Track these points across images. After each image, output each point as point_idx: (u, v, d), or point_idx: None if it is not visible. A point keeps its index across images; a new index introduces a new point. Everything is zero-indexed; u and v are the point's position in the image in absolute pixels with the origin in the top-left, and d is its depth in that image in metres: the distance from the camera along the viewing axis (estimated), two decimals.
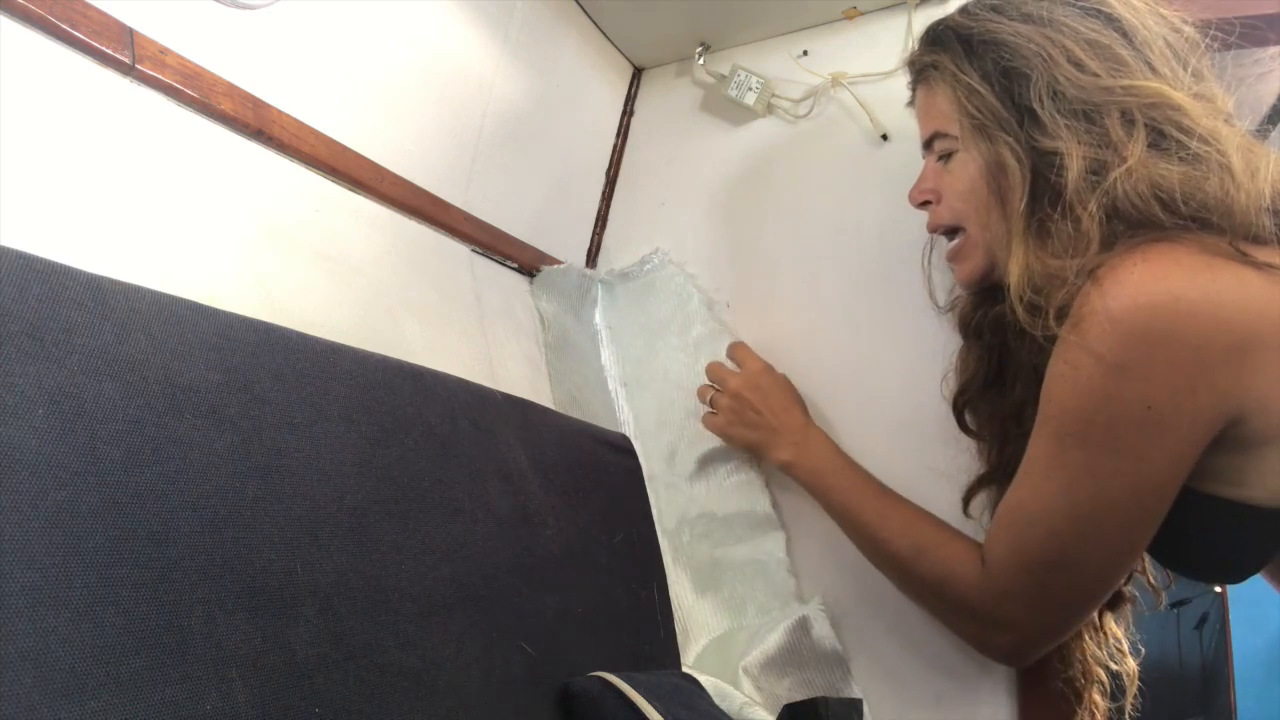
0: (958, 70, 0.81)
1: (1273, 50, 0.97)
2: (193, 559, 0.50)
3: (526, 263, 1.15)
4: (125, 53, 0.66)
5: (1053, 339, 0.71)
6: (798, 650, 0.99)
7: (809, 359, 1.10)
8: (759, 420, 1.03)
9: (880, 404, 1.05)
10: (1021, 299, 0.74)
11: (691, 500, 1.13)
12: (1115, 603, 0.89)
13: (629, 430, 1.18)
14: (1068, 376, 0.69)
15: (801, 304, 1.13)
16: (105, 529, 0.46)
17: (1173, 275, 0.65)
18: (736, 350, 1.10)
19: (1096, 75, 0.74)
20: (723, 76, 1.22)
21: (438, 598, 0.65)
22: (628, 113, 1.34)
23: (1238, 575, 0.79)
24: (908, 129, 0.93)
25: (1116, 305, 0.66)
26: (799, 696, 0.93)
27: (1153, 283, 0.65)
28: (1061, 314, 0.70)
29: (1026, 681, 0.93)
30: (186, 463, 0.51)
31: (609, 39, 1.26)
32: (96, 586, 0.45)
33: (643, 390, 1.20)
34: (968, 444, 0.95)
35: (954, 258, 0.89)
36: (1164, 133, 0.71)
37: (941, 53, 0.83)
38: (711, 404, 1.08)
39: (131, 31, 0.66)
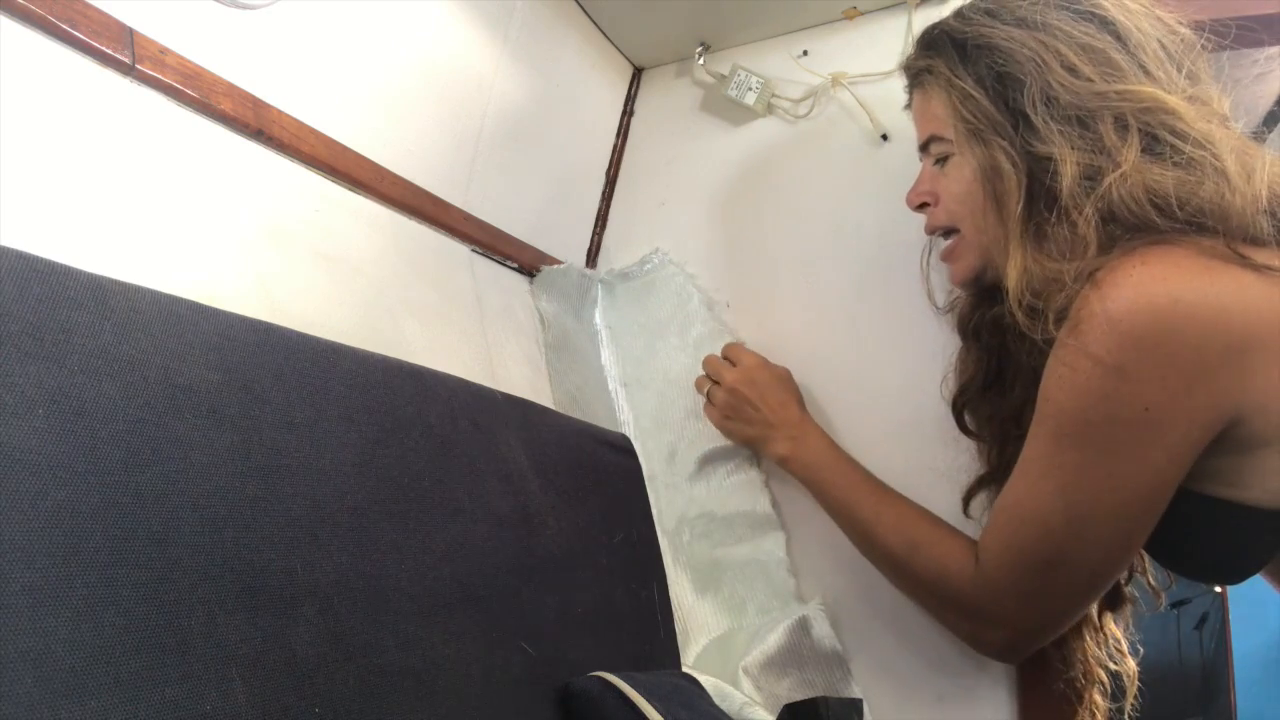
0: (952, 75, 0.81)
1: (1270, 51, 0.97)
2: (193, 559, 0.50)
3: (526, 263, 1.15)
4: (125, 53, 0.66)
5: (1051, 342, 0.71)
6: (798, 650, 0.99)
7: (809, 359, 1.10)
8: (755, 415, 1.03)
9: (880, 404, 1.05)
10: (1020, 303, 0.74)
11: (691, 500, 1.13)
12: (1116, 603, 0.89)
13: (629, 430, 1.18)
14: (1065, 377, 0.69)
15: (801, 304, 1.13)
16: (105, 529, 0.46)
17: (1172, 278, 0.66)
18: (731, 350, 1.10)
19: (1090, 80, 0.74)
20: (723, 76, 1.22)
21: (438, 598, 0.65)
22: (628, 113, 1.34)
23: (1237, 576, 0.79)
24: (908, 129, 0.93)
25: (1115, 307, 0.66)
26: (799, 696, 0.93)
27: (1152, 285, 0.65)
28: (1060, 317, 0.70)
29: (1027, 681, 0.93)
30: (186, 463, 0.51)
31: (609, 39, 1.26)
32: (96, 586, 0.45)
33: (643, 390, 1.20)
34: (967, 444, 0.95)
35: (947, 257, 0.89)
36: (1158, 137, 0.71)
37: (936, 57, 0.84)
38: (708, 397, 1.08)
39: (131, 31, 0.66)
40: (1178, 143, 0.70)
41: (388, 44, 0.91)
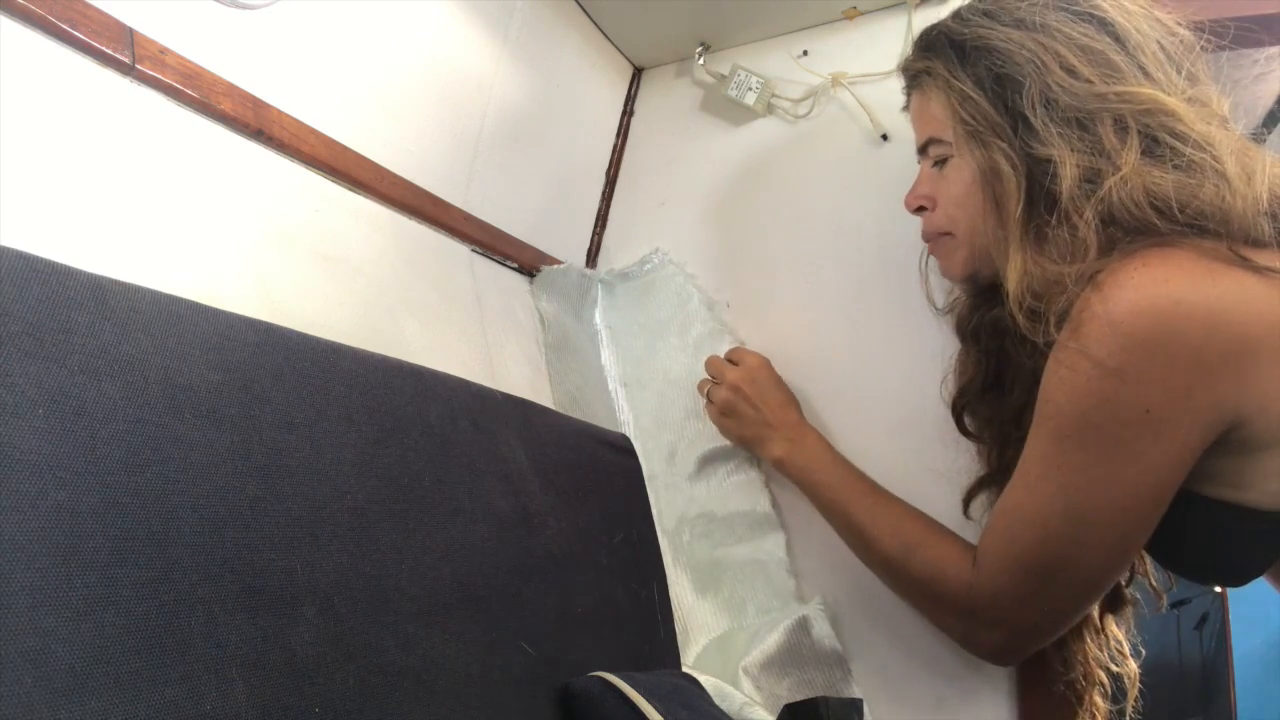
0: (951, 77, 0.81)
1: (1270, 51, 0.97)
2: (193, 559, 0.50)
3: (526, 263, 1.15)
4: (125, 53, 0.66)
5: (1052, 344, 0.71)
6: (798, 650, 0.99)
7: (809, 359, 1.10)
8: (753, 415, 1.03)
9: (880, 405, 1.05)
10: (1021, 305, 0.74)
11: (691, 500, 1.13)
12: (1117, 605, 0.89)
13: (629, 430, 1.18)
14: (1066, 379, 0.69)
15: (801, 304, 1.13)
16: (105, 529, 0.46)
17: (1174, 280, 0.65)
18: (735, 351, 1.10)
19: (1089, 82, 0.73)
20: (723, 76, 1.22)
21: (438, 598, 0.65)
22: (628, 113, 1.34)
23: (1238, 579, 0.79)
24: (908, 129, 0.93)
25: (1117, 309, 0.66)
26: (799, 696, 0.93)
27: (1153, 287, 0.65)
28: (1061, 319, 0.70)
29: (1027, 683, 0.93)
30: (186, 463, 0.51)
31: (609, 39, 1.26)
32: (96, 586, 0.45)
33: (643, 390, 1.20)
34: (967, 445, 0.95)
35: (937, 252, 0.89)
36: (1158, 139, 0.71)
37: (935, 59, 0.83)
38: (709, 396, 1.08)
39: (131, 31, 0.66)
40: (1177, 145, 0.70)
41: (388, 44, 0.91)
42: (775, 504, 1.09)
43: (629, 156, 1.33)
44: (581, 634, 0.80)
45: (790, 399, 1.05)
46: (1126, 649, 0.91)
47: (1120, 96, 0.72)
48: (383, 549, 0.62)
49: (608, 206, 1.32)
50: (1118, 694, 0.90)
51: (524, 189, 1.15)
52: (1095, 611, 0.89)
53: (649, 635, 0.92)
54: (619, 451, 1.01)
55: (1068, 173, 0.72)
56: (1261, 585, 0.83)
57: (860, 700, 0.84)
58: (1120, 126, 0.72)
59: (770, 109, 1.20)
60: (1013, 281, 0.75)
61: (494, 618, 0.70)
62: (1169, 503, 0.70)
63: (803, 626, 1.00)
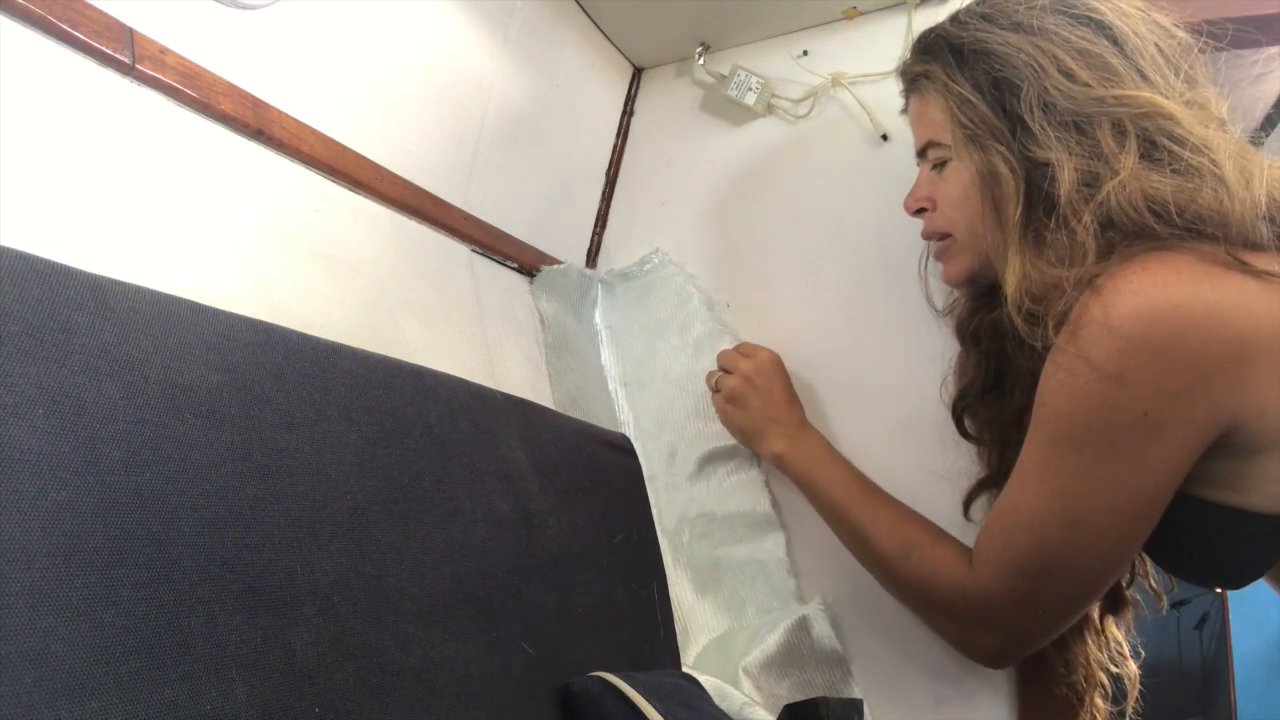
0: (949, 80, 0.81)
1: (1269, 52, 0.97)
2: (193, 559, 0.50)
3: (526, 263, 1.15)
4: (125, 53, 0.66)
5: (1050, 347, 0.71)
6: (798, 650, 0.99)
7: (809, 359, 1.10)
8: (761, 408, 1.03)
9: (880, 406, 1.05)
10: (1019, 309, 0.74)
11: (691, 500, 1.13)
12: (1117, 607, 0.89)
13: (629, 430, 1.18)
14: (1065, 383, 0.69)
15: (801, 304, 1.13)
16: (105, 529, 0.46)
17: (1173, 284, 0.65)
18: (747, 346, 1.10)
19: (1088, 85, 0.73)
20: (723, 76, 1.22)
21: (438, 598, 0.65)
22: (628, 113, 1.34)
23: (1238, 581, 0.78)
24: (907, 130, 0.93)
25: (1116, 314, 0.66)
26: (799, 696, 0.93)
27: (1152, 291, 0.65)
28: (1060, 323, 0.70)
29: (1027, 684, 0.93)
30: (186, 463, 0.51)
31: (609, 39, 1.26)
32: (96, 586, 0.45)
33: (643, 390, 1.20)
34: (967, 447, 0.95)
35: (940, 256, 0.89)
36: (1156, 143, 0.71)
37: (933, 62, 0.83)
38: (716, 385, 1.08)
39: (131, 31, 0.66)
40: (1176, 148, 0.70)
41: (388, 44, 0.91)
42: (775, 504, 1.09)
43: (629, 156, 1.33)
44: (581, 634, 0.80)
45: (796, 399, 1.05)
46: (1126, 650, 0.91)
47: (1118, 100, 0.72)
48: (383, 549, 0.62)
49: (608, 206, 1.32)
50: (1118, 695, 0.90)
51: (524, 189, 1.15)
52: (1096, 613, 0.89)
53: (649, 635, 0.92)
54: (619, 451, 1.01)
55: (1066, 176, 0.72)
56: (1261, 586, 0.83)
57: (860, 701, 0.84)
58: (1118, 130, 0.72)
59: (770, 109, 1.20)
60: (1011, 285, 0.75)
61: (494, 618, 0.70)
62: (1166, 506, 0.70)
63: (803, 626, 1.00)
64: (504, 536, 0.75)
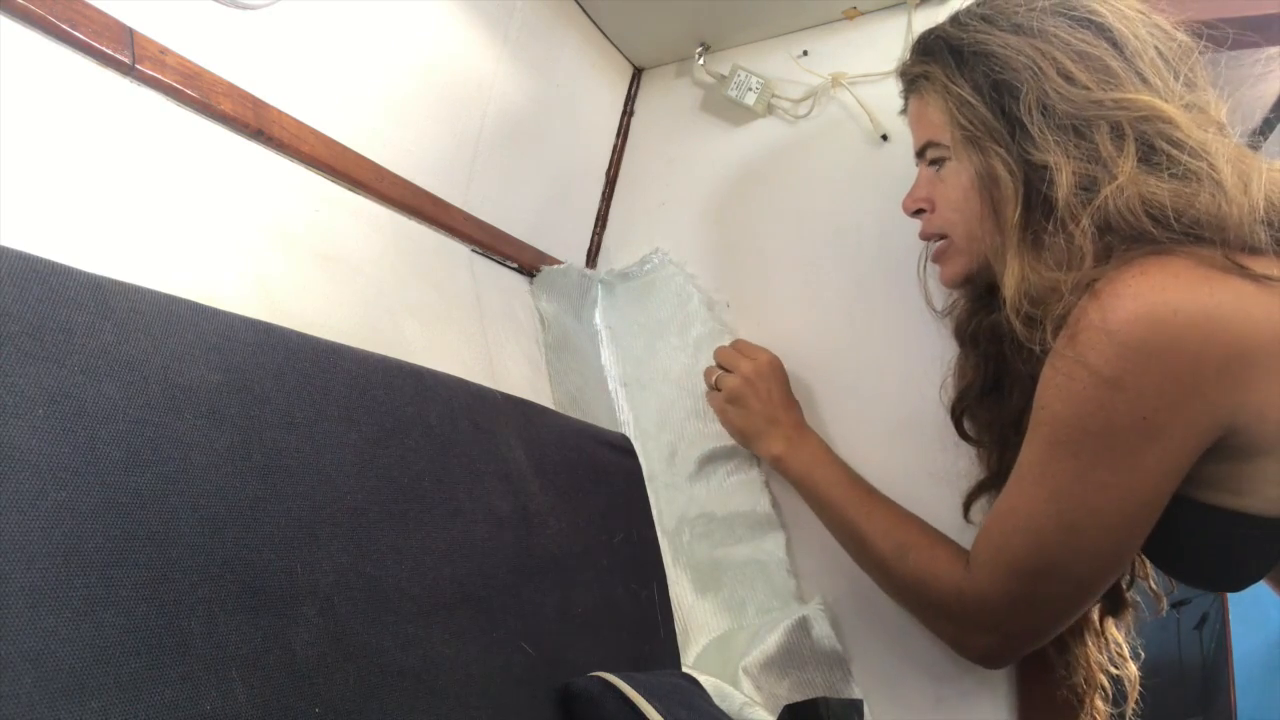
0: (949, 82, 0.81)
1: (1270, 52, 0.97)
2: (193, 559, 0.50)
3: (526, 263, 1.15)
4: (125, 53, 0.66)
5: (1049, 351, 0.71)
6: (798, 650, 0.99)
7: (808, 359, 1.10)
8: (760, 409, 1.03)
9: (879, 407, 1.05)
10: (1018, 312, 0.74)
11: (691, 500, 1.13)
12: (1118, 608, 0.89)
13: (629, 430, 1.18)
14: (1062, 387, 0.69)
15: (801, 305, 1.13)
16: (105, 529, 0.46)
17: (1170, 288, 0.65)
18: (746, 345, 1.10)
19: (1087, 88, 0.73)
20: (723, 76, 1.22)
21: (438, 598, 0.65)
22: (628, 113, 1.34)
23: (1237, 584, 0.78)
24: (907, 130, 0.93)
25: (1114, 318, 0.66)
26: (799, 697, 0.93)
27: (1151, 295, 0.65)
28: (1058, 327, 0.70)
29: (1027, 684, 0.93)
30: (186, 463, 0.51)
31: (609, 39, 1.26)
32: (96, 587, 0.45)
33: (643, 390, 1.20)
34: (967, 449, 0.95)
35: (937, 258, 0.89)
36: (1155, 146, 0.71)
37: (933, 63, 0.83)
38: (716, 383, 1.08)
39: (131, 31, 0.66)
40: (1174, 152, 0.70)
41: (388, 44, 0.91)
42: (775, 504, 1.09)
43: (629, 156, 1.33)
44: (581, 634, 0.80)
45: (794, 401, 1.05)
46: (1127, 652, 0.91)
47: (1117, 103, 0.72)
48: (383, 549, 0.62)
49: (608, 206, 1.32)
50: (1118, 696, 0.90)
51: (524, 189, 1.15)
52: (1096, 615, 0.89)
53: (649, 635, 0.92)
54: (619, 451, 1.01)
55: (1064, 180, 0.72)
56: (1261, 586, 0.83)
57: (860, 701, 0.84)
58: (1117, 133, 0.72)
59: (770, 109, 1.20)
60: (1010, 288, 0.75)
61: (494, 618, 0.70)
62: (1163, 509, 0.70)
63: (803, 627, 1.00)
64: (504, 536, 0.75)
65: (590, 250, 1.30)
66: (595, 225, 1.31)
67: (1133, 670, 0.90)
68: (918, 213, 0.90)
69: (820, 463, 0.98)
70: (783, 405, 1.03)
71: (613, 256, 1.29)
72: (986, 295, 0.88)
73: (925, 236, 0.90)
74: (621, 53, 1.30)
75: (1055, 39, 0.75)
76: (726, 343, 1.13)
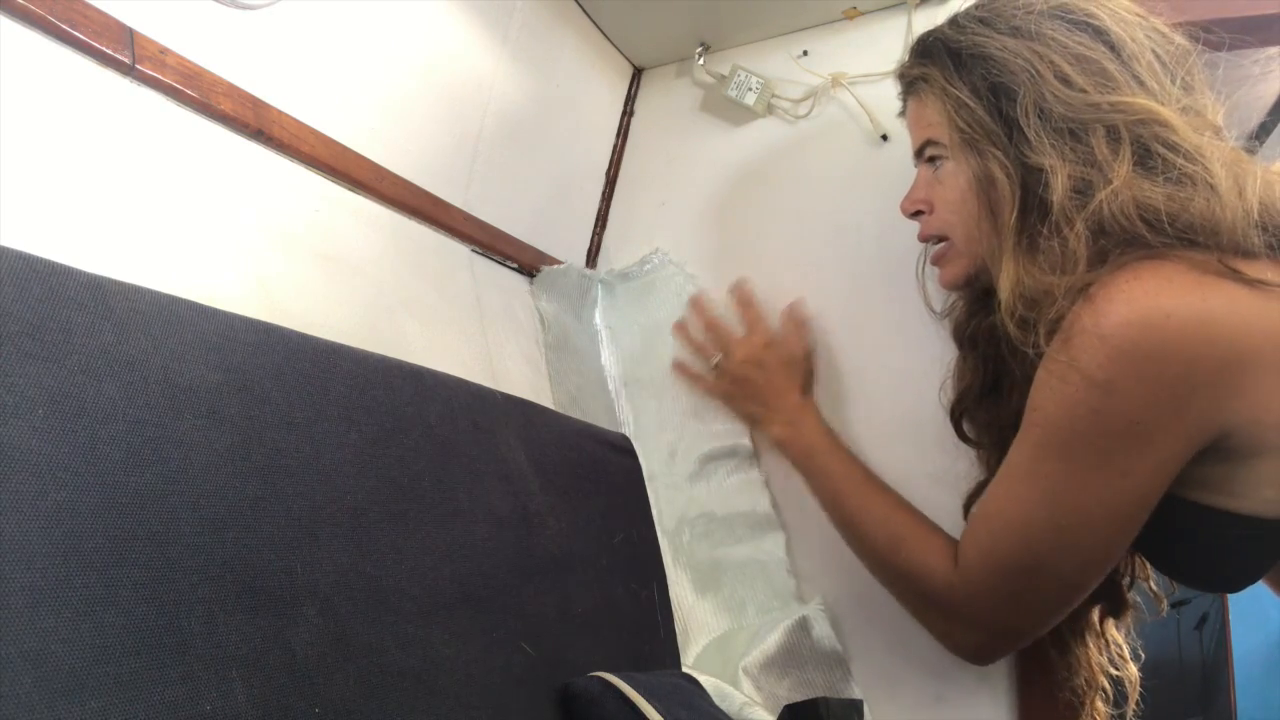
0: (947, 84, 0.81)
1: (1270, 51, 0.97)
2: (193, 559, 0.50)
3: (526, 263, 1.15)
4: (125, 53, 0.66)
5: (1043, 354, 0.71)
6: (798, 650, 0.99)
7: None
8: (757, 394, 1.04)
9: (879, 408, 1.05)
10: (1012, 315, 0.74)
11: (691, 500, 1.13)
12: (1118, 610, 0.89)
13: (629, 430, 1.18)
14: (1055, 389, 0.69)
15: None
16: (105, 529, 0.46)
17: (1164, 293, 0.65)
18: (748, 311, 1.09)
19: (1084, 91, 0.73)
20: (723, 76, 1.22)
21: (438, 598, 0.65)
22: (628, 113, 1.34)
23: (1235, 585, 0.78)
24: (907, 131, 0.93)
25: (1107, 323, 0.66)
26: (799, 697, 0.93)
27: (1144, 300, 0.65)
28: (1052, 330, 0.70)
29: (1027, 685, 0.93)
30: (186, 463, 0.51)
31: (609, 39, 1.26)
32: (96, 586, 0.45)
33: (642, 390, 1.20)
34: (966, 450, 0.95)
35: (937, 260, 0.90)
36: (1150, 150, 0.71)
37: (931, 65, 0.83)
38: (715, 366, 1.08)
39: (131, 31, 0.66)
40: (1170, 156, 0.70)
41: (388, 44, 0.91)
42: (775, 504, 1.09)
43: (629, 156, 1.33)
44: (581, 634, 0.80)
45: (793, 381, 1.04)
46: (1127, 653, 0.91)
47: (1114, 106, 0.72)
48: (383, 549, 0.62)
49: (608, 206, 1.32)
50: (1119, 698, 0.90)
51: (524, 189, 1.15)
52: (1096, 616, 0.89)
53: (649, 635, 0.92)
54: (619, 451, 1.01)
55: (1059, 183, 0.72)
56: (1260, 586, 0.83)
57: (860, 701, 0.84)
58: (1113, 137, 0.72)
59: (770, 109, 1.20)
60: (1005, 290, 0.75)
61: (494, 618, 0.70)
62: (1152, 510, 0.70)
63: (803, 627, 1.00)
64: (504, 536, 0.75)
65: (590, 250, 1.30)
66: (595, 225, 1.31)
67: (1133, 671, 0.90)
68: (916, 214, 0.90)
69: (818, 450, 0.98)
70: (782, 389, 1.03)
71: (613, 256, 1.29)
72: (985, 297, 0.88)
73: (924, 238, 0.90)
74: (621, 53, 1.30)
75: (1052, 42, 0.75)
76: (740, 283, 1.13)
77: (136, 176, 0.66)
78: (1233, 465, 0.69)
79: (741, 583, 1.08)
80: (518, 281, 1.15)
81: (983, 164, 0.78)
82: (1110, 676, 0.89)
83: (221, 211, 0.73)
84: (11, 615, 0.41)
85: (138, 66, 0.66)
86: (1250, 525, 0.70)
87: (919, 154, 0.88)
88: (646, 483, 1.06)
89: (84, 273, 0.50)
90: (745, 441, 1.12)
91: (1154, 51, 0.75)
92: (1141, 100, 0.72)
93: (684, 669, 0.96)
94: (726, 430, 1.13)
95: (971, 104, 0.78)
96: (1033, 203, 0.75)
